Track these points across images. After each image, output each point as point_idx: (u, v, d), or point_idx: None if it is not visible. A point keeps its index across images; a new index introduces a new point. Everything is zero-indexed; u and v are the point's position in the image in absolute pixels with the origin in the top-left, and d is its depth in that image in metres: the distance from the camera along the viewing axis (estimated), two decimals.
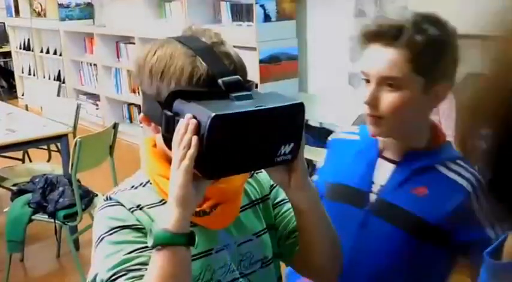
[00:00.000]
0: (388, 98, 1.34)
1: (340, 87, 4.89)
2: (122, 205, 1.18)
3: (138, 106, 6.82)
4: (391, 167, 1.45)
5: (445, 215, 1.38)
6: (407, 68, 1.32)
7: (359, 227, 1.38)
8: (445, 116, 3.99)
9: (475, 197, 1.38)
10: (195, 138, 1.01)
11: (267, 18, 4.98)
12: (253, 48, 4.92)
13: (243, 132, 1.02)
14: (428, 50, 1.32)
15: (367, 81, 1.38)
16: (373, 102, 1.35)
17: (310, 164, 3.01)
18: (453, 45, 1.37)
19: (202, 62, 1.09)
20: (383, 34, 1.34)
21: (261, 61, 4.96)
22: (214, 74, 1.08)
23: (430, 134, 1.46)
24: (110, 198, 1.20)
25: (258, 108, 1.02)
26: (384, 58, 1.34)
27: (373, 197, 1.45)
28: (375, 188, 1.46)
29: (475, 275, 1.44)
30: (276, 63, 5.09)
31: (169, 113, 1.08)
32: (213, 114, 0.99)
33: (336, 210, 1.47)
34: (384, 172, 1.46)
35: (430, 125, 1.47)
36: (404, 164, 1.43)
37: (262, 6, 4.92)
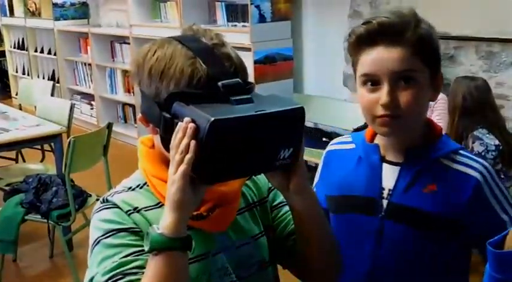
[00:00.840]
0: (407, 94, 1.31)
1: (335, 88, 4.88)
2: (119, 207, 1.16)
3: (133, 106, 6.81)
4: (396, 169, 1.42)
5: (459, 207, 1.36)
6: (417, 61, 1.32)
7: (376, 235, 1.35)
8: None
9: (486, 184, 1.37)
10: (193, 143, 0.99)
11: (262, 18, 4.97)
12: (248, 49, 4.91)
13: (243, 137, 1.00)
14: (429, 42, 1.34)
15: (375, 83, 1.33)
16: (392, 101, 1.31)
17: (305, 165, 2.99)
18: (437, 38, 1.40)
19: (202, 64, 1.08)
20: (387, 32, 1.31)
21: (256, 62, 4.95)
22: (214, 76, 1.06)
23: (426, 129, 1.44)
24: (107, 201, 1.19)
25: (258, 113, 1.00)
26: (392, 56, 1.31)
27: (385, 203, 1.42)
28: (385, 193, 1.43)
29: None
30: (271, 64, 5.08)
31: (167, 116, 1.06)
32: (212, 119, 0.97)
33: (347, 222, 1.43)
34: (390, 176, 1.43)
35: (426, 120, 1.46)
36: (409, 164, 1.41)
37: (257, 6, 4.91)
